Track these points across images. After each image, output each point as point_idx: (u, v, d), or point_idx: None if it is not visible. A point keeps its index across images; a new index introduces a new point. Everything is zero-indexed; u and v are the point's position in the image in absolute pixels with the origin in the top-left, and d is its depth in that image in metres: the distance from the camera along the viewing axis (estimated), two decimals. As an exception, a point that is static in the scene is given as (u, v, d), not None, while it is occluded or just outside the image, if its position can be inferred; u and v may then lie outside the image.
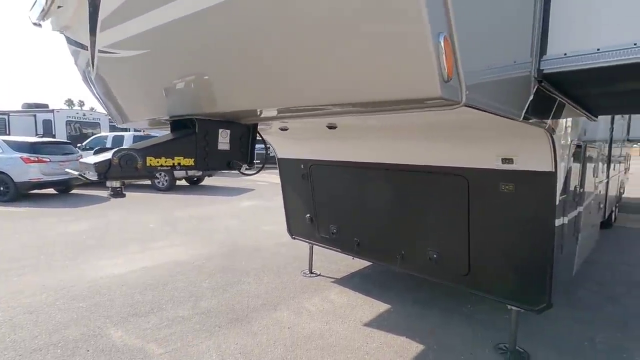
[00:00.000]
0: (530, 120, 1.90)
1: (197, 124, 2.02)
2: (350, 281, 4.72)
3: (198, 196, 11.79)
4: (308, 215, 4.60)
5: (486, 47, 1.39)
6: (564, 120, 2.66)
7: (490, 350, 3.18)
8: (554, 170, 2.47)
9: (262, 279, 4.76)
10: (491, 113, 1.45)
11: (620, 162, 7.50)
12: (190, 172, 13.53)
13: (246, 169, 2.33)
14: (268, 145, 4.64)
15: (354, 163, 3.79)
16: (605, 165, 5.26)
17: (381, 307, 3.99)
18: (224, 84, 1.67)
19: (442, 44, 1.02)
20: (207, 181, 15.31)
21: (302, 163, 4.40)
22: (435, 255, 3.34)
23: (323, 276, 4.90)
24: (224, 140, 2.15)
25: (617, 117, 6.02)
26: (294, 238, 4.99)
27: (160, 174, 13.22)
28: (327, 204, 4.33)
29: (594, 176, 4.09)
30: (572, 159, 2.77)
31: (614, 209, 7.83)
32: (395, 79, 1.13)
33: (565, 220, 2.79)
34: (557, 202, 2.55)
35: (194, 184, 14.74)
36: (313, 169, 4.29)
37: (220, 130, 2.13)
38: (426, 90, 1.08)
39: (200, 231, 7.18)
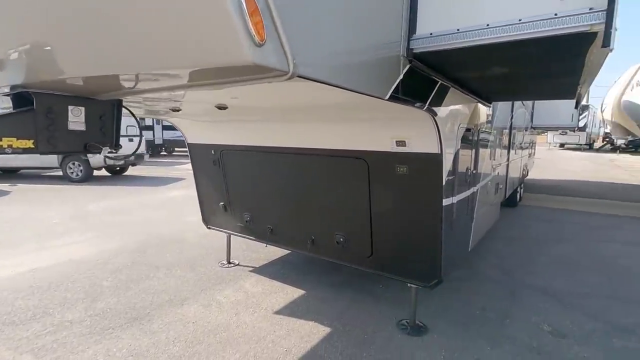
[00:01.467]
0: (403, 100, 1.90)
1: (34, 98, 1.70)
2: (269, 269, 4.63)
3: (119, 187, 10.82)
4: (222, 203, 4.38)
5: (329, 17, 1.30)
6: (451, 104, 2.77)
7: (393, 327, 3.30)
8: (439, 152, 2.56)
9: (174, 273, 4.46)
10: (344, 89, 1.39)
11: (523, 147, 8.28)
12: (110, 162, 12.35)
13: (110, 152, 2.05)
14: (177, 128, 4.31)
15: (262, 148, 3.64)
16: (505, 149, 5.74)
17: (295, 293, 3.96)
18: (44, 46, 1.40)
19: (244, 2, 0.90)
20: (131, 171, 14.12)
21: (213, 148, 4.15)
22: (342, 239, 3.36)
23: (241, 266, 4.74)
24: (77, 119, 1.85)
25: (518, 105, 6.59)
26: (210, 228, 4.75)
27: (73, 163, 11.90)
28: (239, 191, 4.15)
29: (490, 159, 4.42)
30: (460, 141, 2.92)
31: (518, 189, 8.68)
32: (204, 43, 0.99)
33: (455, 199, 2.94)
34: (444, 183, 2.66)
35: (117, 174, 13.52)
36: (224, 154, 4.06)
37: (70, 108, 1.82)
38: (235, 55, 0.96)
39: (113, 225, 6.56)
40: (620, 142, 25.40)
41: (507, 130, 5.62)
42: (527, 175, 9.98)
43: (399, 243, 3.05)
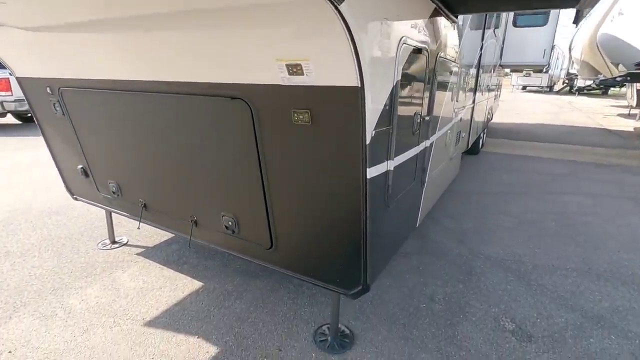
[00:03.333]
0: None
1: None
2: (165, 250, 3.52)
3: (20, 138, 8.86)
4: (80, 166, 3.07)
5: None
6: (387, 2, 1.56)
7: (308, 337, 2.38)
8: (358, 84, 1.39)
9: (27, 262, 3.24)
10: None
11: (490, 88, 7.31)
12: (10, 106, 10.10)
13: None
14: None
15: (111, 83, 2.29)
16: (471, 89, 4.67)
17: (188, 287, 2.92)
18: None
19: None
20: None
21: (48, 85, 2.72)
22: (230, 222, 2.26)
23: (130, 245, 3.59)
24: None
25: (489, 35, 5.43)
26: (76, 199, 3.47)
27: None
28: (96, 150, 2.83)
29: (452, 100, 3.33)
30: (402, 69, 1.75)
31: (482, 135, 7.88)
32: None
33: (392, 164, 1.86)
34: (370, 139, 1.54)
35: (29, 122, 11.28)
36: (64, 94, 2.66)
37: None
38: None
39: (-21, 190, 5.04)
40: (587, 83, 25.37)
41: (474, 64, 4.49)
42: (491, 119, 9.19)
43: (306, 233, 1.99)
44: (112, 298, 2.76)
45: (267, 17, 1.36)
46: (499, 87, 9.95)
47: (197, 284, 2.96)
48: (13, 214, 4.25)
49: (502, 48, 8.08)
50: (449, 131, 3.47)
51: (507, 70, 19.32)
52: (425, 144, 2.57)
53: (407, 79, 1.89)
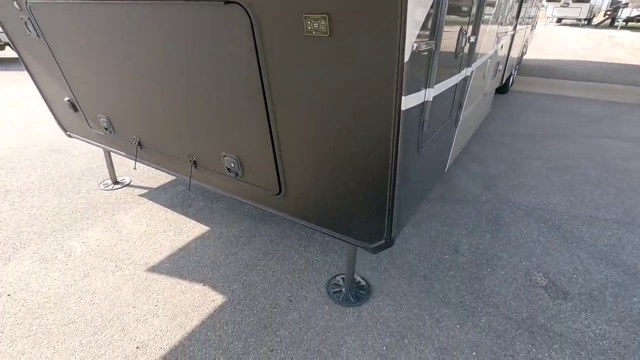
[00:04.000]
0: None
1: None
2: (169, 191, 3.31)
3: (18, 72, 8.46)
4: (67, 99, 2.74)
5: None
6: None
7: (321, 288, 2.21)
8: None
9: (26, 201, 3.09)
10: None
11: (529, 16, 6.38)
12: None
13: None
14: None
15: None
16: (514, 13, 3.96)
17: (193, 232, 2.74)
18: None
19: None
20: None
21: (15, -2, 2.28)
22: (233, 164, 1.95)
23: (132, 186, 3.39)
24: None
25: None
26: (70, 136, 3.19)
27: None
28: (81, 79, 2.47)
29: (497, 23, 2.75)
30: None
31: (513, 71, 7.12)
32: None
33: (431, 94, 1.47)
34: (409, 56, 1.14)
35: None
36: (34, 9, 2.23)
37: None
38: None
39: (-22, 126, 4.82)
40: (630, 13, 22.63)
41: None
42: (525, 53, 8.27)
43: (321, 177, 1.68)
44: (114, 241, 2.61)
45: None
46: (535, 17, 8.81)
47: (203, 228, 2.78)
48: (12, 152, 4.05)
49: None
50: (489, 60, 2.94)
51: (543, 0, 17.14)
52: (466, 72, 2.11)
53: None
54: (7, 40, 10.03)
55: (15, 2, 2.31)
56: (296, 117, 1.52)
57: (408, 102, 1.24)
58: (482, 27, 2.18)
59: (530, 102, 6.78)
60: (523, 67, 9.89)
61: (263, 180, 1.90)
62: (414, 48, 1.14)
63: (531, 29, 8.29)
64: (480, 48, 2.39)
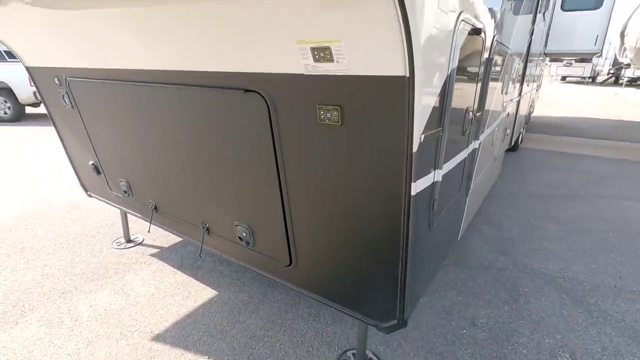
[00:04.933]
0: None
1: None
2: (180, 252, 3.32)
3: (45, 128, 9.03)
4: (91, 162, 2.89)
5: None
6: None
7: (331, 365, 2.09)
8: (406, 74, 1.05)
9: (40, 260, 3.13)
10: None
11: (534, 78, 6.66)
12: (42, 96, 10.33)
13: None
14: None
15: (120, 73, 2.05)
16: (519, 78, 4.15)
17: (201, 296, 2.69)
18: None
19: None
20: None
21: (56, 75, 2.53)
22: (245, 233, 1.98)
23: (145, 245, 3.42)
24: None
25: (539, 18, 4.84)
26: (90, 196, 3.31)
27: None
28: (107, 146, 2.63)
29: (503, 92, 2.88)
30: (459, 54, 1.37)
31: (522, 130, 7.26)
32: None
33: (440, 174, 1.51)
34: (419, 144, 1.19)
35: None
36: (72, 85, 2.46)
37: None
38: None
39: (6, 183, 5.06)
40: (632, 73, 23.40)
41: (524, 51, 3.97)
42: (533, 112, 8.48)
43: (332, 252, 1.68)
44: (122, 305, 2.58)
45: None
46: (540, 77, 9.17)
47: (211, 293, 2.74)
48: (34, 207, 4.20)
49: (548, 34, 7.36)
50: (496, 128, 3.03)
51: (547, 60, 18.05)
52: (474, 145, 2.18)
53: (462, 67, 1.52)
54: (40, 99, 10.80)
55: (56, 78, 2.55)
56: (308, 194, 1.57)
57: (417, 187, 1.27)
58: (487, 100, 2.28)
59: (540, 160, 6.81)
60: (531, 125, 10.08)
61: (274, 251, 1.91)
62: (422, 138, 1.20)
63: (537, 89, 8.59)
64: (487, 119, 2.48)
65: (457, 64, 1.38)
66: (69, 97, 2.57)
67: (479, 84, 1.96)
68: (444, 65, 1.29)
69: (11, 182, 5.03)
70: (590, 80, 29.79)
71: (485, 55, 1.89)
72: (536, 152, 7.43)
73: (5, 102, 9.96)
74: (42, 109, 11.48)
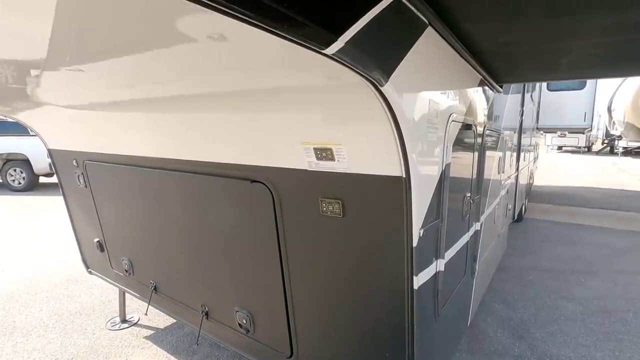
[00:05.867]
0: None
1: None
2: (175, 334, 3.15)
3: (52, 198, 9.23)
4: (97, 240, 2.92)
5: None
6: (439, 78, 1.34)
7: None
8: (403, 174, 1.12)
9: (28, 343, 2.98)
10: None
11: (530, 151, 6.91)
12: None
13: None
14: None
15: (131, 159, 2.19)
16: (514, 156, 4.33)
17: (194, 388, 2.49)
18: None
19: None
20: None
21: (75, 158, 2.69)
22: (245, 320, 1.91)
23: (139, 326, 3.27)
24: None
25: (527, 99, 5.21)
26: (90, 273, 3.28)
27: (14, 170, 10.35)
28: (112, 225, 2.68)
29: (499, 172, 2.99)
30: (452, 149, 1.48)
31: (524, 201, 7.30)
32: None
33: (442, 264, 1.50)
34: (418, 240, 1.21)
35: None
36: (88, 167, 2.61)
37: None
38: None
39: (10, 253, 5.04)
40: (625, 144, 24.25)
41: (517, 130, 4.20)
42: (533, 183, 8.61)
43: (335, 345, 1.60)
44: (108, 398, 2.39)
45: (294, 99, 1.17)
46: (536, 148, 9.51)
47: (205, 383, 2.54)
48: (32, 282, 4.12)
49: (538, 111, 7.82)
50: (497, 206, 3.07)
51: (541, 132, 18.97)
52: (476, 227, 2.19)
53: (456, 160, 1.61)
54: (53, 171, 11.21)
55: (74, 161, 2.71)
56: (311, 283, 1.55)
57: (420, 279, 1.26)
58: (484, 183, 2.36)
59: (547, 231, 6.72)
60: (535, 195, 10.15)
61: (274, 340, 1.82)
62: (422, 233, 1.23)
63: (534, 161, 8.84)
64: (487, 200, 2.53)
65: (450, 159, 1.47)
66: (84, 178, 2.69)
67: (475, 170, 2.05)
68: (438, 162, 1.37)
69: (13, 253, 5.01)
70: (586, 149, 30.67)
71: (478, 143, 2.01)
72: (542, 222, 7.35)
73: (21, 172, 10.39)
74: (54, 179, 11.88)
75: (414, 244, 1.19)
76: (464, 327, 2.40)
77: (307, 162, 1.32)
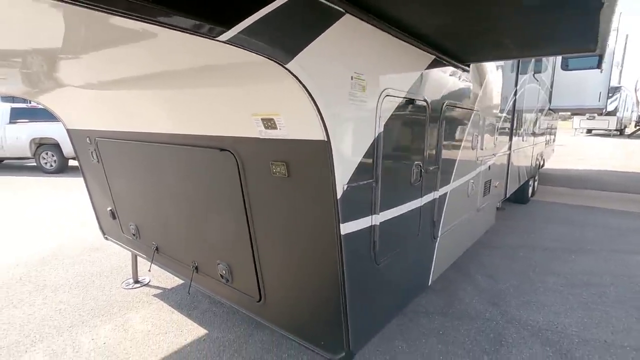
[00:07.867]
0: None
1: None
2: (181, 292, 3.56)
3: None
4: (109, 208, 3.32)
5: None
6: (368, 52, 1.55)
7: (300, 405, 2.18)
8: (324, 138, 1.37)
9: (56, 297, 3.47)
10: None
11: (536, 134, 6.85)
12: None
13: None
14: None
15: (134, 135, 2.53)
16: (506, 135, 4.41)
17: (191, 334, 2.88)
18: None
19: None
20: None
21: (88, 135, 3.07)
22: (224, 271, 2.24)
23: (150, 286, 3.70)
24: None
25: (528, 79, 5.20)
26: (107, 238, 3.72)
27: (46, 153, 11.19)
28: (121, 195, 3.07)
29: (474, 148, 3.14)
30: (388, 120, 1.69)
31: (530, 183, 7.28)
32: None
33: (378, 220, 1.74)
34: (342, 193, 1.47)
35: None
36: (100, 144, 2.98)
37: None
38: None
39: (45, 226, 5.65)
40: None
41: (507, 110, 4.27)
42: (542, 166, 8.50)
43: (291, 288, 1.90)
44: (119, 340, 2.81)
45: (238, 75, 1.43)
46: (551, 131, 9.30)
47: (201, 331, 2.92)
48: (60, 249, 4.66)
49: (551, 92, 7.66)
50: (471, 180, 3.23)
51: (568, 113, 18.09)
52: (433, 195, 2.41)
53: (397, 130, 1.83)
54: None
55: (87, 138, 3.09)
56: (269, 236, 1.84)
57: (347, 228, 1.52)
58: (448, 156, 2.55)
59: (556, 213, 6.71)
60: (552, 178, 10.00)
61: (247, 288, 2.14)
62: (346, 187, 1.48)
63: (546, 144, 8.69)
64: (452, 173, 2.72)
65: (385, 129, 1.69)
66: (96, 154, 3.08)
67: (430, 142, 2.25)
68: (369, 130, 1.60)
69: (45, 226, 5.61)
70: (618, 132, 29.16)
71: (432, 117, 2.20)
72: (552, 205, 7.32)
73: (53, 155, 11.20)
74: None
75: (338, 196, 1.44)
76: (422, 284, 2.64)
77: (258, 130, 1.59)
